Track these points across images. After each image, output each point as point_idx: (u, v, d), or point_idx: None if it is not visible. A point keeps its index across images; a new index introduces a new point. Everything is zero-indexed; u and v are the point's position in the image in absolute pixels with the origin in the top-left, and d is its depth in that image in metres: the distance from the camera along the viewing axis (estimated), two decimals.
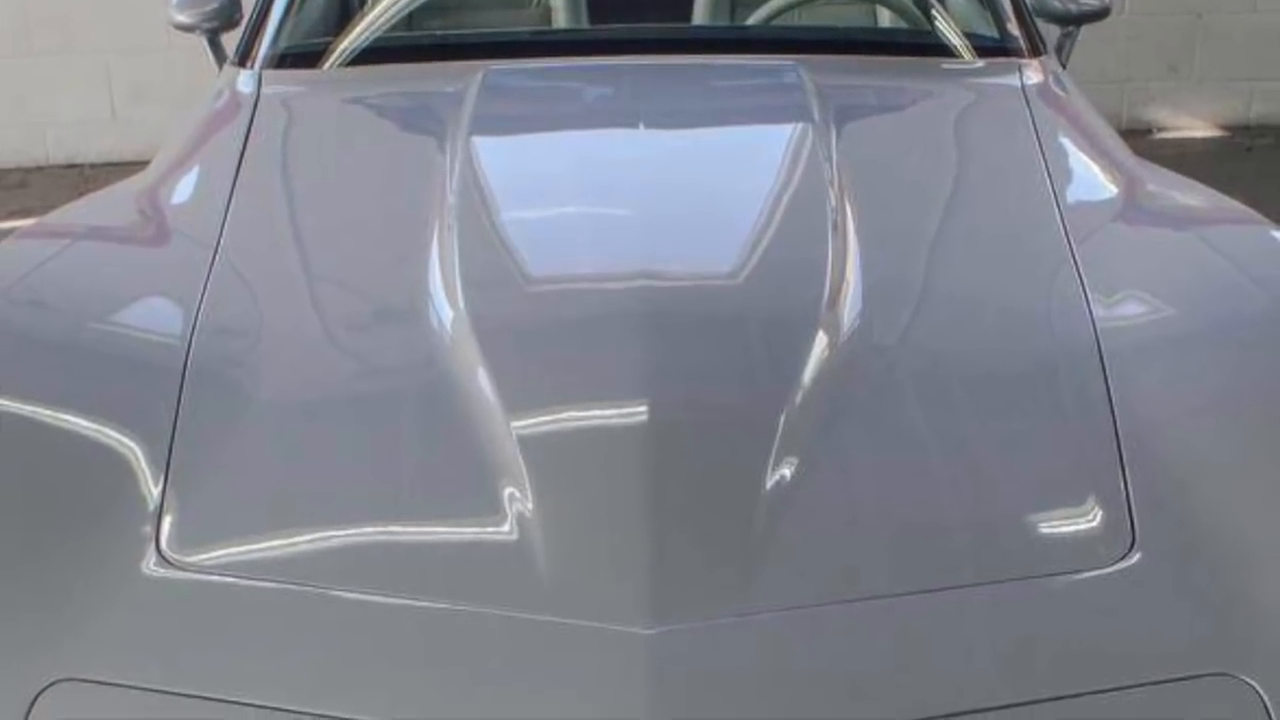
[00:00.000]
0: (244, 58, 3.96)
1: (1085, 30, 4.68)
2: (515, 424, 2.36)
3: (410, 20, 4.59)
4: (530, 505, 2.24)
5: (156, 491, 2.36)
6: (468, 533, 2.33)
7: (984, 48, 4.03)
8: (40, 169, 8.06)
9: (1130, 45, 8.29)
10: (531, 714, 2.03)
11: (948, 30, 4.21)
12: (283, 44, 3.98)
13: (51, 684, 2.09)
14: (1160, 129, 8.39)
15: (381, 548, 2.31)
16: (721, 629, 2.09)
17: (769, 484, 2.28)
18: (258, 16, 4.06)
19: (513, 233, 2.99)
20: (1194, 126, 8.42)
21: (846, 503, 2.34)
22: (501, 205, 3.07)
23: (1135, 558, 2.25)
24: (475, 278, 2.75)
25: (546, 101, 3.83)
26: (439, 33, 4.68)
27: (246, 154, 3.37)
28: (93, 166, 7.99)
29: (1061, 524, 2.36)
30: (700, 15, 4.53)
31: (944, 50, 4.11)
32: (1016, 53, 3.95)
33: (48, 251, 3.02)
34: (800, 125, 3.42)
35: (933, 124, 3.78)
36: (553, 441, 2.38)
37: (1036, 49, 3.98)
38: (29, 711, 2.07)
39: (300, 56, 3.99)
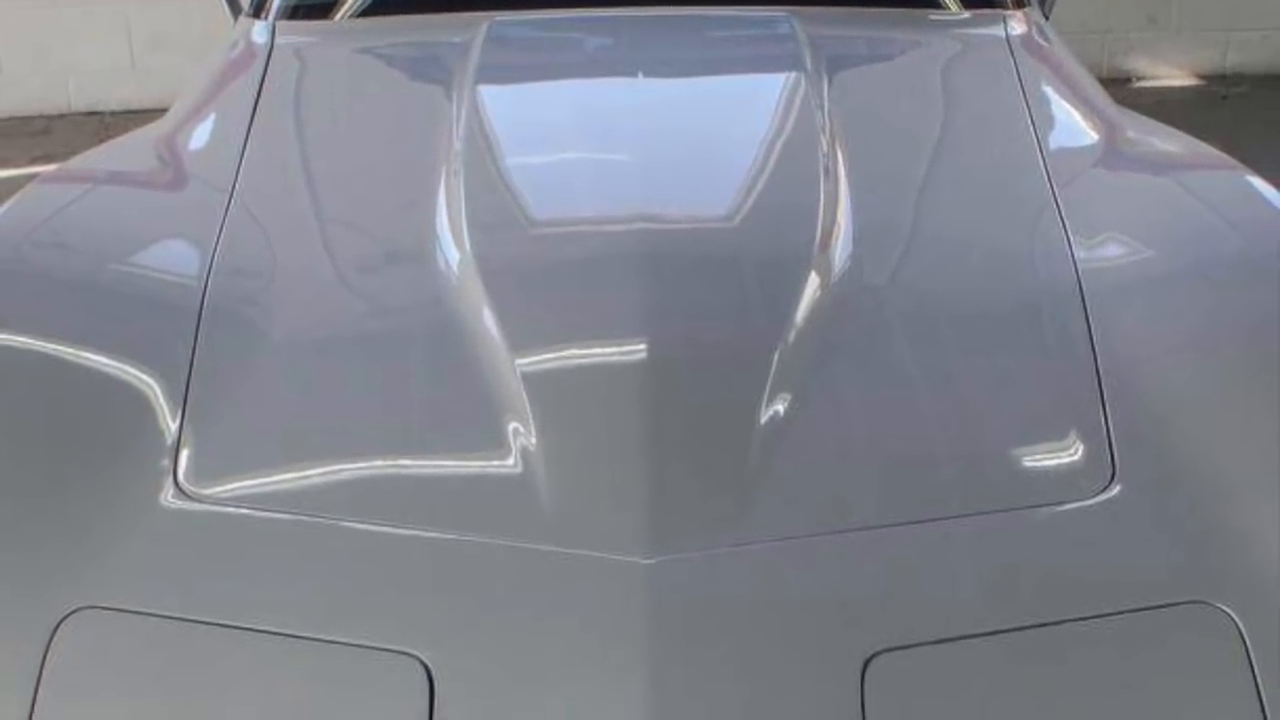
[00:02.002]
0: (258, 9, 3.94)
1: None
2: (519, 361, 2.36)
3: None
4: (533, 439, 2.24)
5: (174, 426, 2.35)
6: (473, 466, 2.33)
7: (970, 0, 4.01)
8: (62, 116, 8.04)
9: None
10: (534, 640, 2.03)
11: None
12: None
13: (73, 611, 2.09)
14: (1139, 78, 8.37)
15: (390, 480, 2.31)
16: (718, 558, 2.09)
17: (763, 419, 2.27)
18: None
19: (516, 177, 2.99)
20: (1172, 75, 8.40)
21: (838, 437, 2.33)
22: (506, 151, 3.07)
23: (1115, 489, 2.25)
24: (480, 221, 2.74)
25: (549, 51, 3.81)
26: None
27: (260, 102, 3.36)
28: (113, 114, 7.98)
29: (1044, 457, 2.36)
30: None
31: (931, 2, 4.08)
32: (1001, 4, 3.92)
33: (69, 196, 3.02)
34: (793, 74, 3.40)
35: (920, 73, 3.77)
36: (555, 378, 2.37)
37: (1021, 1, 3.95)
38: (51, 638, 2.06)
39: (312, 8, 3.97)
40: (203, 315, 2.56)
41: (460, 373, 2.41)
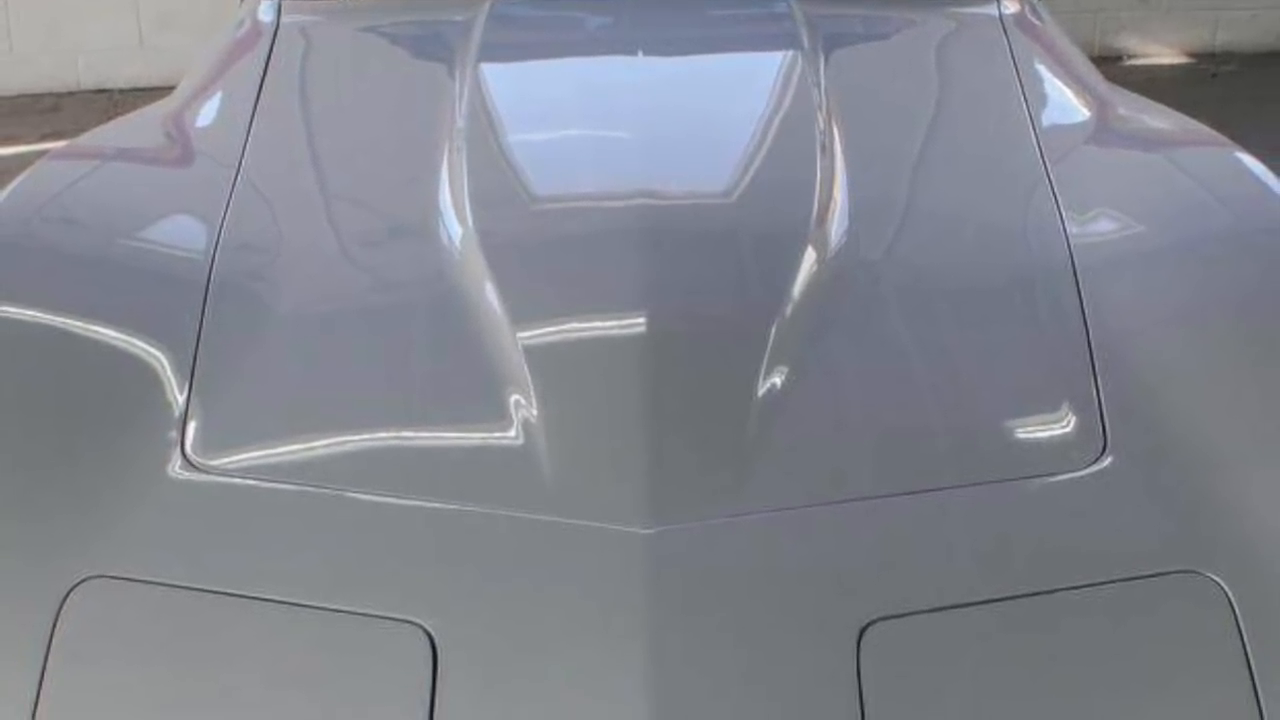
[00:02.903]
0: None
1: None
2: (521, 334, 2.36)
3: None
4: (535, 411, 2.24)
5: (182, 399, 2.35)
6: (476, 438, 2.32)
7: None
8: (71, 94, 8.02)
9: None
10: (536, 608, 2.03)
11: None
12: None
13: (82, 581, 2.09)
14: (1130, 56, 8.36)
15: (394, 452, 2.31)
16: (716, 529, 2.09)
17: (761, 391, 2.27)
18: None
19: (518, 154, 2.98)
20: (1162, 54, 8.38)
21: (834, 409, 2.33)
22: (508, 128, 3.07)
23: (1106, 461, 2.24)
24: (483, 197, 2.74)
25: (550, 30, 3.80)
26: None
27: (266, 80, 3.35)
28: (121, 91, 7.96)
29: (1037, 429, 2.35)
30: None
31: None
32: None
33: (78, 172, 3.01)
34: (790, 52, 3.40)
35: (915, 51, 3.75)
36: (556, 351, 2.37)
37: None
38: (61, 606, 2.07)
39: None
40: (209, 290, 2.56)
41: (462, 346, 2.40)
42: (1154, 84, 7.07)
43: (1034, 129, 3.10)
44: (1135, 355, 2.41)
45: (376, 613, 2.03)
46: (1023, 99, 3.24)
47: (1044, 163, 2.97)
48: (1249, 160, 2.90)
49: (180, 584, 2.09)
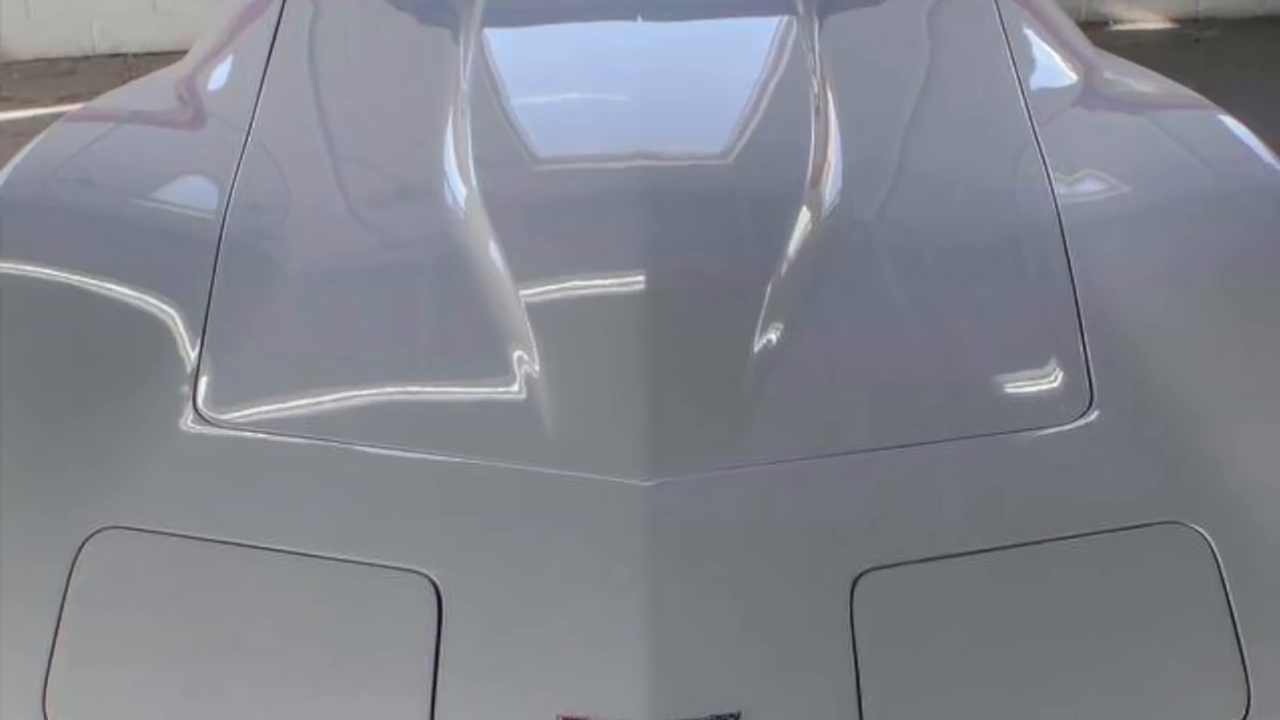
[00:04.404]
0: None
1: None
2: (523, 292, 2.35)
3: None
4: (537, 367, 2.24)
5: (193, 355, 2.35)
6: (479, 392, 2.32)
7: None
8: (87, 58, 7.99)
9: None
10: (538, 558, 2.03)
11: None
12: None
13: (97, 531, 2.10)
14: (1116, 21, 8.32)
15: (400, 406, 2.31)
16: (713, 481, 2.09)
17: (757, 347, 2.27)
18: None
19: (521, 117, 2.97)
20: (1147, 19, 8.35)
21: (828, 364, 2.33)
22: (511, 92, 3.06)
23: (1093, 415, 2.25)
24: (486, 158, 2.73)
25: None
26: None
27: (276, 44, 3.34)
28: (135, 55, 7.92)
29: (1026, 384, 2.35)
30: None
31: None
32: None
33: (93, 134, 3.00)
34: (785, 18, 3.37)
35: (907, 17, 3.73)
36: (558, 308, 2.36)
37: None
38: (76, 556, 2.07)
39: None
40: (221, 248, 2.55)
41: (467, 303, 2.40)
42: (1139, 49, 7.03)
43: (1022, 93, 3.09)
44: (1121, 312, 2.41)
45: (383, 562, 2.04)
46: (1012, 63, 3.23)
47: (1032, 125, 2.96)
48: (1231, 123, 2.90)
49: (192, 534, 2.09)
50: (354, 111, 3.15)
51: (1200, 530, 2.09)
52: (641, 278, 2.33)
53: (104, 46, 8.06)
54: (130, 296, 2.44)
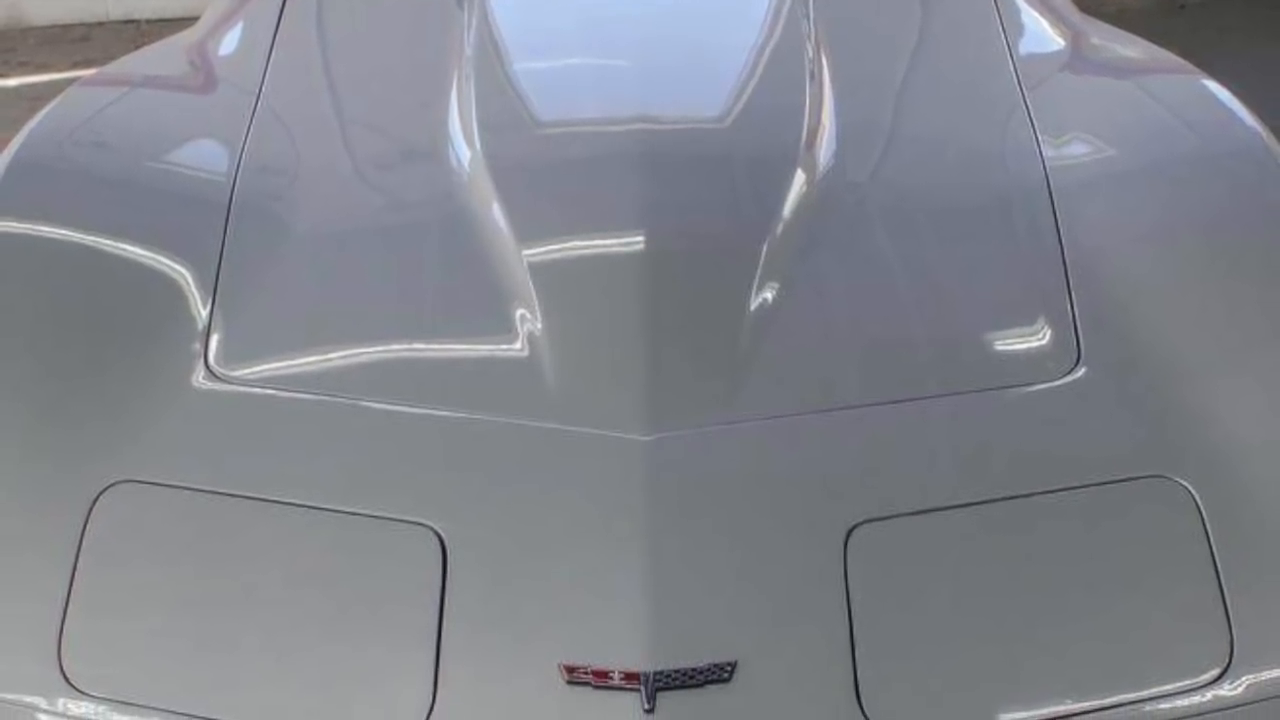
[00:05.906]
0: None
1: None
2: (526, 252, 2.35)
3: None
4: (539, 325, 2.23)
5: (205, 313, 2.34)
6: (483, 349, 2.31)
7: None
8: (101, 24, 7.97)
9: None
10: (540, 511, 2.03)
11: None
12: None
13: (111, 485, 2.09)
14: None
15: (406, 363, 2.30)
16: (710, 435, 2.09)
17: (753, 305, 2.26)
18: None
19: (523, 81, 2.96)
20: None
21: (822, 322, 2.32)
22: (513, 57, 3.04)
23: (1080, 371, 2.24)
24: (490, 122, 2.72)
25: None
26: None
27: (286, 10, 3.32)
28: (148, 22, 7.90)
29: (1015, 341, 2.34)
30: None
31: None
32: None
33: (107, 98, 2.98)
34: None
35: None
36: (559, 268, 2.35)
37: None
38: (91, 509, 2.07)
39: None
40: (231, 209, 2.54)
41: (470, 263, 2.39)
42: (1125, 15, 7.00)
43: (1012, 57, 3.08)
44: (1107, 271, 2.40)
45: (389, 515, 2.04)
46: (1001, 29, 3.21)
47: (1021, 89, 2.94)
48: (1215, 87, 2.88)
49: (204, 488, 2.09)
50: (361, 76, 3.14)
51: (1184, 484, 2.09)
52: (641, 238, 2.32)
53: (118, 13, 8.03)
54: (143, 256, 2.43)
